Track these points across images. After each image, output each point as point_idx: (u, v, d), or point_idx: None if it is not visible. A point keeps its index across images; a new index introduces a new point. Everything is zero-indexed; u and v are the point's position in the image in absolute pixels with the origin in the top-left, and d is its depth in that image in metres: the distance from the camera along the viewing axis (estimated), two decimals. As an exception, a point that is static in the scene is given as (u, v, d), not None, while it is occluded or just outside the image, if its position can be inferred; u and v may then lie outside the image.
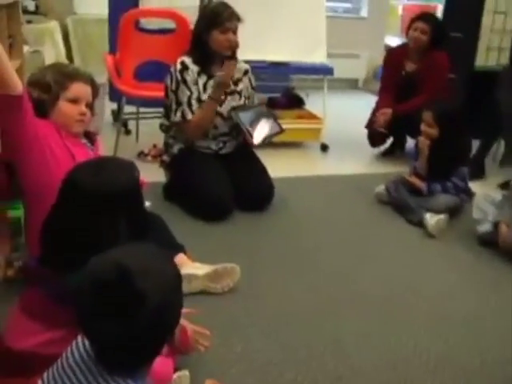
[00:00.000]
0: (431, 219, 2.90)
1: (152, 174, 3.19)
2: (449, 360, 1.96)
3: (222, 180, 2.92)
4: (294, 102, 4.56)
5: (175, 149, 3.05)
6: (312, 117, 4.35)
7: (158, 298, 1.00)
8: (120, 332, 0.99)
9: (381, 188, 3.23)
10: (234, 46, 2.92)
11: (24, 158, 1.87)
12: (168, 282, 1.06)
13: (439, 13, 5.16)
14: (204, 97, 2.94)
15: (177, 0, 4.01)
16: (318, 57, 4.14)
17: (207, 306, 2.07)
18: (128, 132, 4.29)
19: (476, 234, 2.82)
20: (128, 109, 4.10)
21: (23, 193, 1.98)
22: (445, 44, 3.87)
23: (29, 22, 4.48)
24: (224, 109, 3.01)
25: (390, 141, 4.17)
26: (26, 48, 3.13)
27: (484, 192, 3.12)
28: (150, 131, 3.80)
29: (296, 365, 1.88)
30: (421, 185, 3.09)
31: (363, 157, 4.09)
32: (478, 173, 3.70)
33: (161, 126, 3.12)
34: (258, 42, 3.88)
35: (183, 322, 1.67)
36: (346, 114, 4.99)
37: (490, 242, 2.75)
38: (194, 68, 2.94)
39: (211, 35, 2.90)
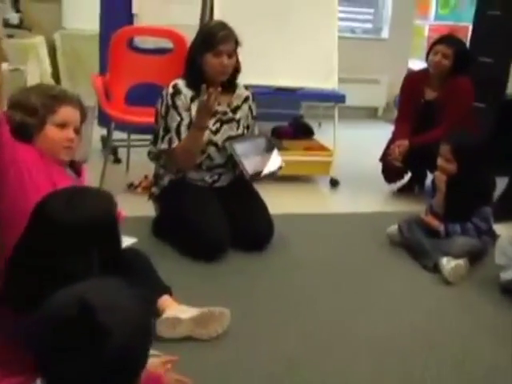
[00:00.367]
0: (448, 264, 2.94)
1: (141, 208, 3.30)
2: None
3: (217, 216, 3.00)
4: (301, 132, 4.68)
5: (165, 180, 3.15)
6: (321, 148, 4.47)
7: (122, 336, 1.06)
8: (82, 371, 1.05)
9: (393, 228, 3.30)
10: (227, 72, 3.03)
11: (-1, 181, 1.95)
12: (135, 319, 1.12)
13: (470, 34, 5.24)
14: None
15: (175, 18, 4.16)
16: (329, 82, 4.27)
17: (193, 353, 2.14)
18: (117, 161, 4.41)
19: (498, 281, 2.85)
20: (118, 135, 4.22)
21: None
22: (470, 69, 3.98)
23: (10, 36, 4.59)
24: (219, 138, 3.11)
25: (407, 176, 4.26)
26: (5, 65, 3.21)
27: (509, 235, 3.12)
28: (141, 160, 3.88)
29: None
30: (437, 225, 3.15)
31: (377, 193, 4.19)
32: (504, 213, 3.75)
33: (149, 153, 3.22)
34: (262, 65, 4.01)
35: (161, 370, 1.73)
36: (360, 146, 5.09)
37: (513, 290, 2.78)
38: (187, 93, 3.05)
39: (205, 58, 3.00)
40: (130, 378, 1.13)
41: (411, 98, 4.05)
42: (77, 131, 2.15)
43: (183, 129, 3.02)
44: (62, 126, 2.10)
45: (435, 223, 3.16)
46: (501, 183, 3.59)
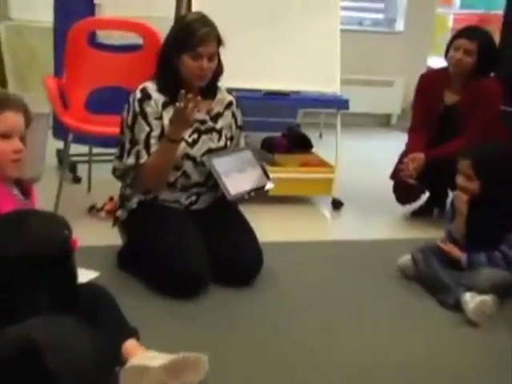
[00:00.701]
0: (472, 301, 2.95)
1: (105, 235, 3.35)
2: None
3: (195, 244, 3.04)
4: (298, 144, 4.74)
5: (133, 202, 3.18)
6: (321, 164, 4.52)
7: (70, 381, 1.10)
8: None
9: (406, 258, 3.34)
10: (207, 76, 3.10)
11: None
12: (86, 363, 1.16)
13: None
14: None
15: (146, 9, 4.24)
16: (330, 85, 4.35)
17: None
18: (77, 180, 4.46)
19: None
20: (78, 149, 4.27)
21: None
22: (498, 67, 4.06)
23: None
24: (197, 151, 3.16)
25: (424, 196, 4.32)
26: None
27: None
28: (105, 179, 3.87)
29: None
30: (458, 254, 3.19)
31: (387, 217, 4.26)
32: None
33: (114, 170, 3.26)
34: (249, 65, 4.10)
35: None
36: (368, 161, 5.16)
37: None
38: (158, 98, 3.10)
39: (181, 59, 3.06)
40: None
41: (428, 102, 4.11)
42: (23, 140, 2.19)
43: (153, 141, 3.07)
44: (7, 136, 2.15)
45: (456, 252, 3.20)
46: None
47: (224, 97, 3.29)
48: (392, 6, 6.87)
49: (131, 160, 3.10)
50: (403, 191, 4.19)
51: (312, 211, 4.36)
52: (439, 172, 3.86)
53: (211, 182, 3.20)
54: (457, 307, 3.02)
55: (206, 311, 2.89)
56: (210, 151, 3.17)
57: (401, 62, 6.48)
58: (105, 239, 3.34)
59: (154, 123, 3.09)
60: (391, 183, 4.24)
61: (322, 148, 4.85)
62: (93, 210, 3.88)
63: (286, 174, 4.20)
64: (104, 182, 3.99)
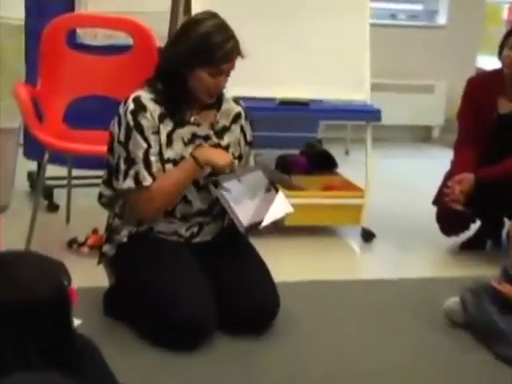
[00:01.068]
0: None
1: (88, 275, 3.36)
2: None
3: (198, 286, 3.07)
4: (319, 164, 4.77)
5: (123, 235, 3.21)
6: (348, 187, 4.56)
7: None
8: None
9: (453, 301, 3.36)
10: (219, 93, 3.18)
11: None
12: None
13: None
14: (169, 154, 3.13)
15: (136, 2, 4.28)
16: (358, 92, 4.38)
17: None
18: (54, 208, 4.50)
19: None
20: (55, 171, 4.31)
21: None
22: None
23: None
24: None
25: (475, 226, 4.33)
26: None
27: None
28: (88, 207, 3.96)
29: None
30: (517, 296, 3.23)
31: (429, 251, 4.28)
32: None
33: (100, 197, 3.29)
34: (261, 69, 4.10)
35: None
36: (405, 183, 5.18)
37: None
38: (154, 109, 3.12)
39: (195, 73, 3.09)
40: None
41: (477, 111, 4.15)
42: None
43: (153, 158, 3.10)
44: None
45: (513, 293, 3.24)
46: None
47: (231, 107, 3.33)
48: (433, -5, 6.92)
49: (129, 183, 3.10)
50: (448, 220, 4.20)
51: (337, 244, 4.39)
52: (492, 196, 3.90)
53: (216, 209, 3.23)
54: (516, 360, 3.04)
55: (210, 365, 2.91)
56: (212, 174, 3.17)
57: (444, 63, 6.51)
58: (88, 280, 3.33)
59: (152, 138, 3.11)
60: (433, 210, 4.25)
61: (348, 168, 4.88)
62: (73, 244, 3.91)
63: (306, 199, 4.24)
64: (86, 211, 4.08)
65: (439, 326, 3.37)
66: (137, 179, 3.09)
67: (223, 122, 3.30)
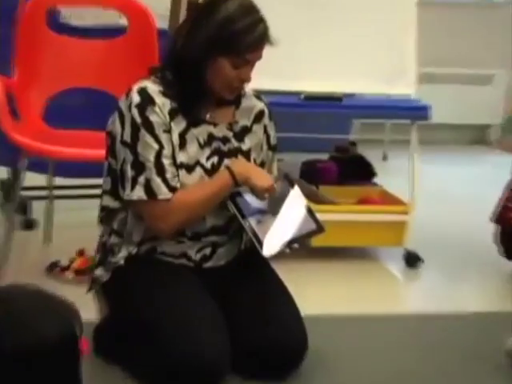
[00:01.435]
0: None
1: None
2: None
3: (210, 319, 3.06)
4: (353, 172, 4.81)
5: (120, 256, 3.20)
6: (388, 200, 4.59)
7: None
8: None
9: (516, 340, 3.42)
10: (242, 88, 3.20)
11: None
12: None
13: None
14: (182, 157, 3.11)
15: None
16: (401, 85, 4.42)
17: None
18: (30, 224, 4.55)
19: None
20: (32, 179, 4.34)
21: None
22: None
23: None
24: (213, 183, 3.20)
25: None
26: None
27: None
28: (72, 223, 4.03)
29: None
30: None
31: (488, 279, 4.29)
32: None
33: (102, 210, 3.26)
34: (284, 58, 4.04)
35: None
36: (458, 195, 5.22)
37: None
38: (163, 103, 3.10)
39: (215, 61, 3.07)
40: None
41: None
42: None
43: (166, 162, 3.07)
44: None
45: None
46: None
47: (252, 104, 3.35)
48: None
49: (138, 192, 3.05)
50: (512, 241, 4.25)
51: (375, 270, 4.42)
52: None
53: (234, 227, 3.24)
54: None
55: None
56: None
57: (504, 49, 6.52)
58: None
59: (164, 137, 3.09)
60: (492, 229, 4.28)
61: (387, 176, 4.94)
62: (55, 268, 3.93)
63: (338, 215, 4.27)
64: (70, 228, 4.14)
65: (500, 367, 3.37)
66: (148, 188, 3.06)
67: (243, 121, 3.31)
